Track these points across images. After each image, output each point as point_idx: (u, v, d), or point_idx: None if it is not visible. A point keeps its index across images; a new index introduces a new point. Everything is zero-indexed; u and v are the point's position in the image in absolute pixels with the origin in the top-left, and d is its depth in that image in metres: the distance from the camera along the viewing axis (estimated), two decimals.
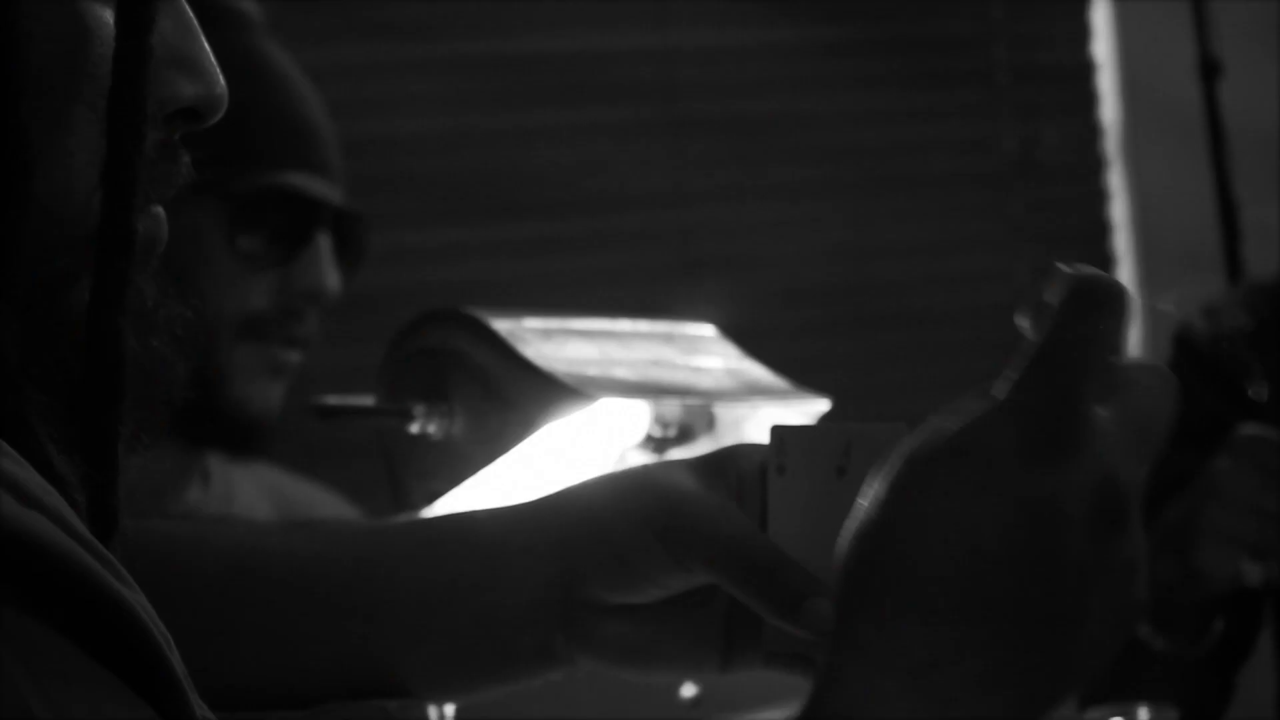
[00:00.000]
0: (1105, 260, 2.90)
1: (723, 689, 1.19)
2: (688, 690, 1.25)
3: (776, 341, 2.04)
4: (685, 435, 1.18)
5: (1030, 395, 0.66)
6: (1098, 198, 2.90)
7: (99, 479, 0.62)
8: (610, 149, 2.66)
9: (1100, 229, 2.90)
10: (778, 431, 0.78)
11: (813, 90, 2.77)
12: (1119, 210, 2.91)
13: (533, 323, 1.09)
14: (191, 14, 0.67)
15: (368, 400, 1.16)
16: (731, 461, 0.80)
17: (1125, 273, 2.91)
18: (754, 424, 1.18)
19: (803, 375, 1.23)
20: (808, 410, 1.17)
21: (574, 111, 2.64)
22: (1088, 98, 2.89)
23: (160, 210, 0.66)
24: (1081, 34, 2.90)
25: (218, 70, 0.66)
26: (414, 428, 1.09)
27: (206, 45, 0.67)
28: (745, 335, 1.33)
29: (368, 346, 1.33)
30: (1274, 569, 1.44)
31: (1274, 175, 2.78)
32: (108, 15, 0.63)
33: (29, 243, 0.60)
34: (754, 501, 0.78)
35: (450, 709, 0.87)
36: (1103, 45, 2.90)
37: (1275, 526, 1.43)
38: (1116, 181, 2.90)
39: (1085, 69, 2.90)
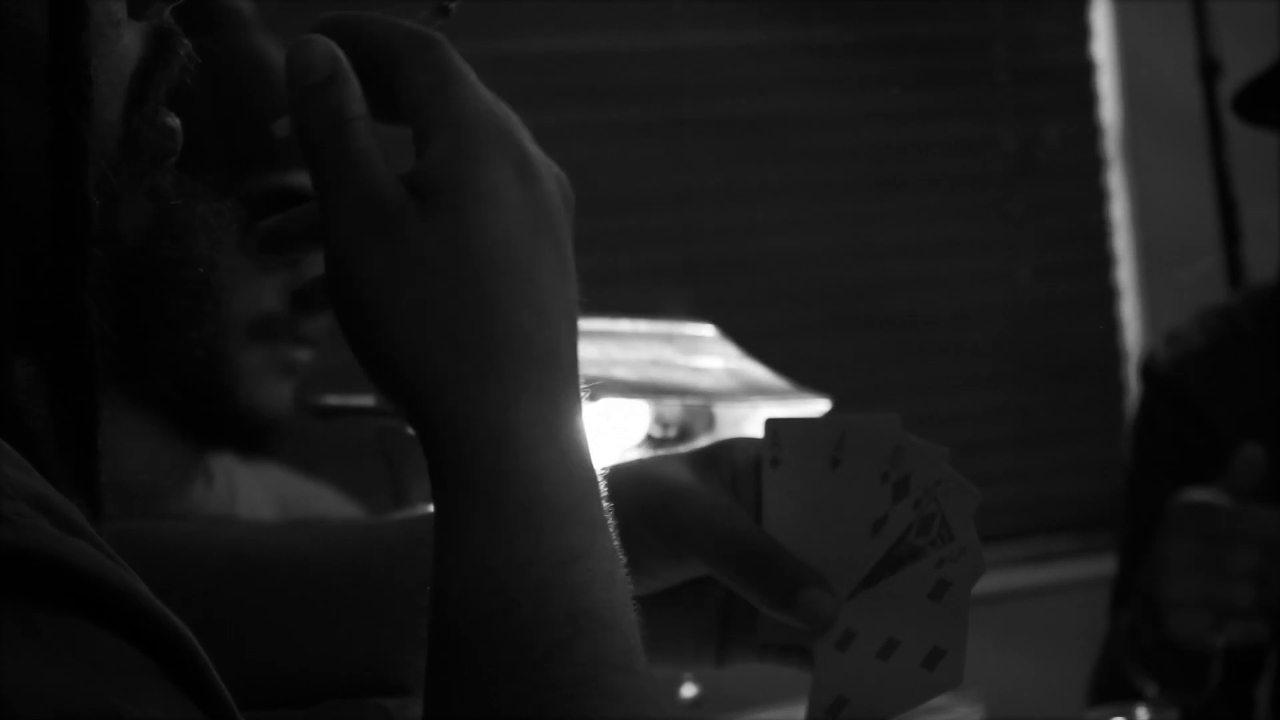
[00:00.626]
0: (1105, 260, 2.90)
1: (723, 689, 1.19)
2: (688, 690, 1.25)
3: (776, 341, 2.04)
4: (685, 435, 1.18)
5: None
6: (1098, 198, 2.90)
7: (80, 463, 0.63)
8: (610, 149, 2.67)
9: (1100, 229, 2.90)
10: (771, 424, 0.78)
11: (813, 90, 2.77)
12: (1119, 210, 2.91)
13: None
14: None
15: (368, 400, 1.16)
16: (726, 454, 0.80)
17: (1125, 273, 2.91)
18: (754, 424, 1.18)
19: (803, 375, 1.24)
20: (808, 410, 1.17)
21: (574, 111, 2.64)
22: (1088, 98, 2.89)
23: (173, 121, 0.66)
24: (1081, 34, 2.90)
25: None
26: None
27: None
28: (745, 335, 1.33)
29: None
30: (1243, 628, 1.42)
31: (1274, 175, 2.78)
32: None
33: (12, 227, 0.60)
34: (748, 494, 0.78)
35: None
36: (1103, 45, 2.90)
37: (1230, 587, 1.41)
38: (1116, 181, 2.90)
39: (1085, 69, 2.90)
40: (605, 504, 0.65)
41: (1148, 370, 1.75)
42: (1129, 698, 1.49)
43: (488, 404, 0.63)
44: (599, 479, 0.66)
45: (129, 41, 0.64)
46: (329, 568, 0.84)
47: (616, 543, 0.65)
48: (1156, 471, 1.70)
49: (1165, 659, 1.51)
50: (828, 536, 0.76)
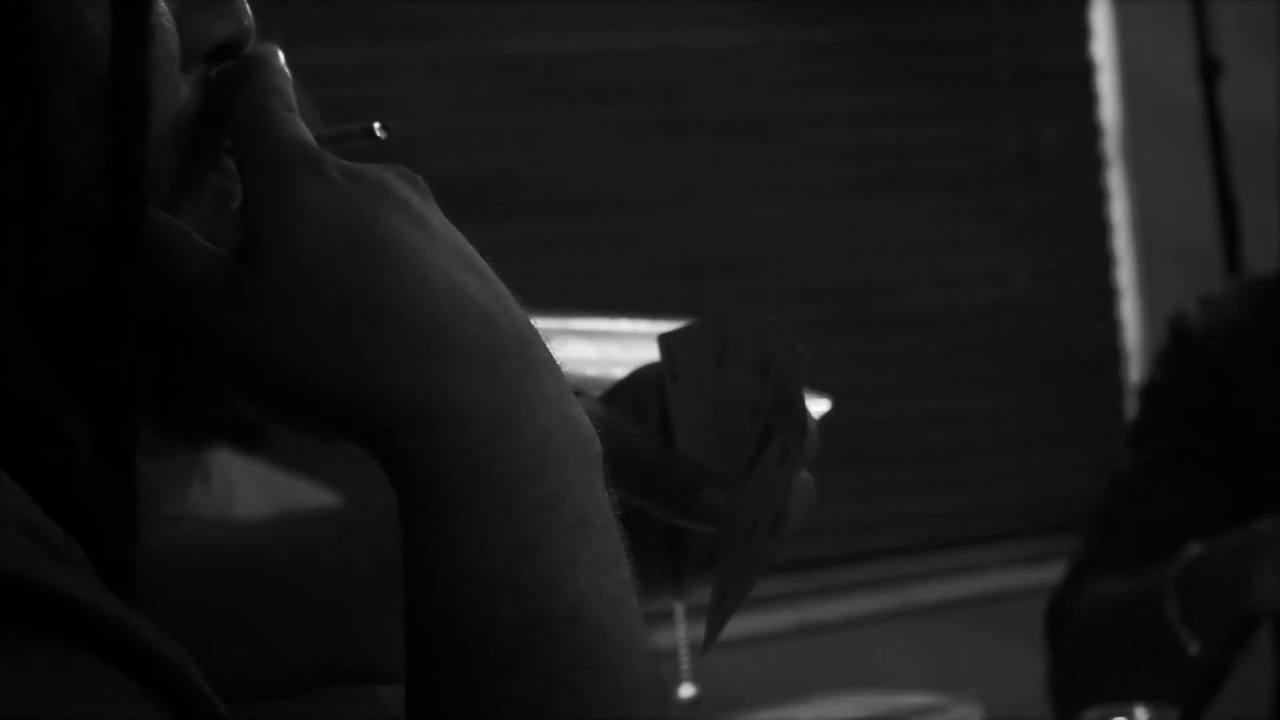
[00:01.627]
0: (1105, 260, 2.90)
1: (723, 689, 1.19)
2: (687, 690, 1.25)
3: None
4: None
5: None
6: (1098, 198, 2.90)
7: (118, 485, 0.61)
8: (610, 149, 2.67)
9: (1100, 229, 2.90)
10: (664, 340, 0.80)
11: (813, 90, 2.77)
12: (1119, 210, 2.91)
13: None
14: None
15: None
16: (629, 383, 0.81)
17: (1125, 273, 2.91)
18: None
19: None
20: (812, 408, 1.17)
21: (574, 111, 2.64)
22: (1088, 98, 2.89)
23: (231, 164, 0.65)
24: (1081, 34, 2.90)
25: (245, 2, 0.66)
26: None
27: None
28: None
29: None
30: None
31: (1274, 175, 2.78)
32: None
33: (56, 245, 0.59)
34: (653, 415, 0.80)
35: None
36: (1103, 45, 2.90)
37: None
38: (1116, 181, 2.90)
39: (1085, 69, 2.90)
40: (579, 464, 0.61)
41: (1178, 330, 1.72)
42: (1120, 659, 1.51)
43: (385, 402, 0.60)
44: (565, 438, 0.61)
45: (181, 86, 0.64)
46: (314, 557, 0.84)
47: (596, 499, 0.61)
48: (1172, 418, 1.69)
49: (1233, 630, 1.51)
50: (725, 433, 0.78)
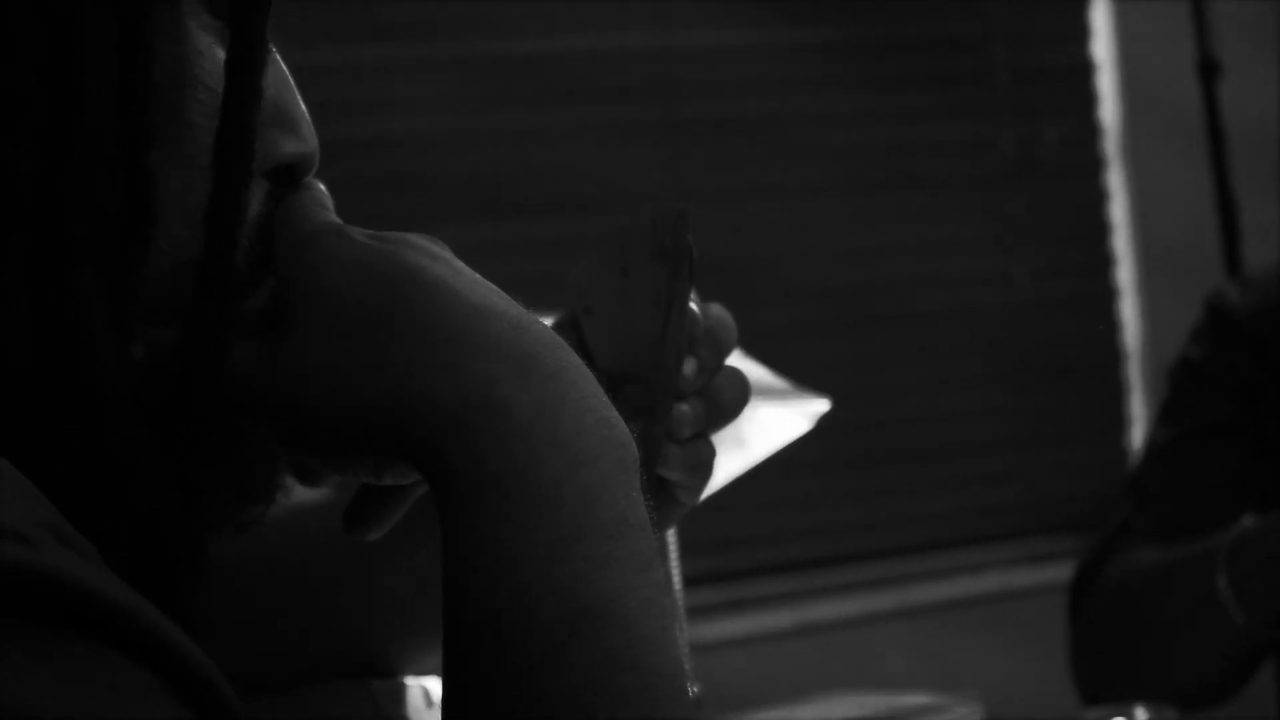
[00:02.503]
0: (1105, 260, 2.90)
1: (723, 689, 1.20)
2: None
3: (776, 341, 2.04)
4: None
5: None
6: (1098, 198, 2.90)
7: (190, 521, 0.63)
8: (610, 149, 2.67)
9: (1100, 229, 2.90)
10: (572, 276, 0.81)
11: (813, 90, 2.77)
12: (1119, 210, 2.91)
13: None
14: (287, 71, 0.67)
15: None
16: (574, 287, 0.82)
17: (1125, 273, 2.91)
18: (753, 424, 1.18)
19: (803, 375, 1.23)
20: (808, 410, 1.17)
21: (574, 111, 2.64)
22: (1088, 98, 2.89)
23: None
24: (1081, 34, 2.90)
25: (312, 127, 0.67)
26: None
27: (302, 102, 0.67)
28: (745, 335, 1.33)
29: None
30: None
31: (1274, 175, 2.78)
32: (218, 55, 0.63)
33: (153, 291, 0.60)
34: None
35: (439, 692, 0.87)
36: (1103, 45, 2.90)
37: None
38: (1116, 181, 2.90)
39: (1085, 69, 2.90)
40: (613, 463, 0.61)
41: (1218, 310, 1.69)
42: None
43: (421, 403, 0.61)
44: (599, 436, 0.61)
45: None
46: (311, 551, 0.84)
47: (631, 499, 0.61)
48: (1215, 393, 1.67)
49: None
50: (644, 343, 0.78)
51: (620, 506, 0.60)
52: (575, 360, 0.63)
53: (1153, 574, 1.60)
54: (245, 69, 0.63)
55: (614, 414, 0.63)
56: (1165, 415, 1.72)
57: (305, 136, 0.67)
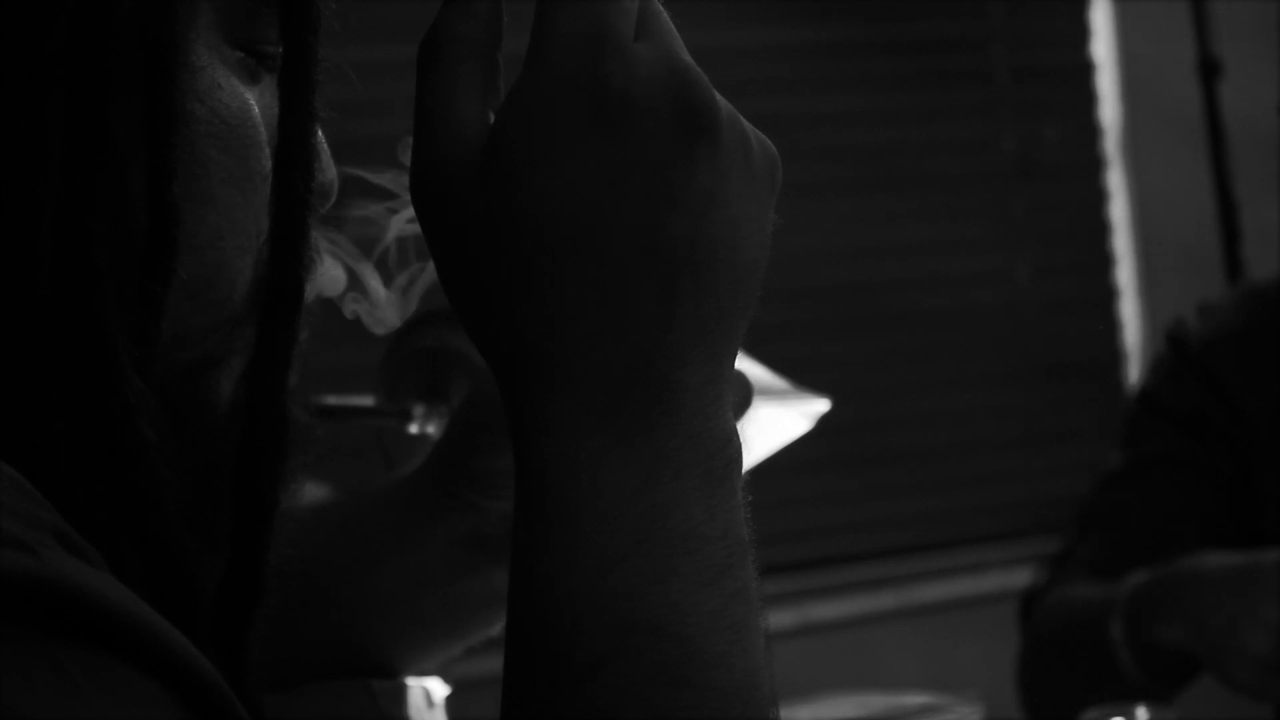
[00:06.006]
0: (1105, 260, 2.90)
1: None
2: None
3: (776, 341, 2.04)
4: None
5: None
6: (1098, 198, 2.90)
7: (249, 552, 0.64)
8: None
9: (1100, 229, 2.90)
10: None
11: (813, 90, 2.77)
12: (1119, 210, 2.91)
13: None
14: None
15: (367, 400, 1.16)
16: None
17: (1125, 272, 2.91)
18: (753, 424, 1.18)
19: (803, 375, 1.23)
20: (808, 410, 1.17)
21: None
22: (1088, 98, 2.89)
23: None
24: (1081, 34, 2.90)
25: (330, 157, 0.68)
26: (413, 428, 1.09)
27: (320, 132, 0.68)
28: (746, 335, 1.33)
29: (368, 346, 1.33)
30: None
31: (1274, 175, 2.78)
32: (253, 96, 0.65)
33: (172, 325, 0.60)
34: None
35: (440, 693, 0.88)
36: (1103, 45, 2.90)
37: None
38: (1116, 181, 2.90)
39: (1085, 69, 2.90)
40: (698, 476, 0.59)
41: (1176, 339, 1.71)
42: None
43: (521, 393, 0.60)
44: (685, 451, 0.59)
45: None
46: (310, 551, 0.84)
47: (711, 511, 0.59)
48: (1163, 422, 1.68)
49: (1175, 666, 1.50)
50: None
51: (694, 519, 0.58)
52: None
53: (1069, 612, 1.62)
54: (300, 89, 0.65)
55: (710, 424, 0.60)
56: (1121, 444, 1.73)
57: (325, 165, 0.68)
